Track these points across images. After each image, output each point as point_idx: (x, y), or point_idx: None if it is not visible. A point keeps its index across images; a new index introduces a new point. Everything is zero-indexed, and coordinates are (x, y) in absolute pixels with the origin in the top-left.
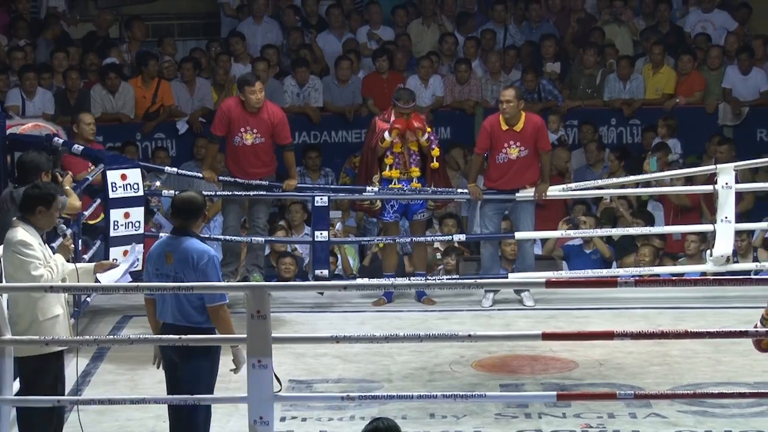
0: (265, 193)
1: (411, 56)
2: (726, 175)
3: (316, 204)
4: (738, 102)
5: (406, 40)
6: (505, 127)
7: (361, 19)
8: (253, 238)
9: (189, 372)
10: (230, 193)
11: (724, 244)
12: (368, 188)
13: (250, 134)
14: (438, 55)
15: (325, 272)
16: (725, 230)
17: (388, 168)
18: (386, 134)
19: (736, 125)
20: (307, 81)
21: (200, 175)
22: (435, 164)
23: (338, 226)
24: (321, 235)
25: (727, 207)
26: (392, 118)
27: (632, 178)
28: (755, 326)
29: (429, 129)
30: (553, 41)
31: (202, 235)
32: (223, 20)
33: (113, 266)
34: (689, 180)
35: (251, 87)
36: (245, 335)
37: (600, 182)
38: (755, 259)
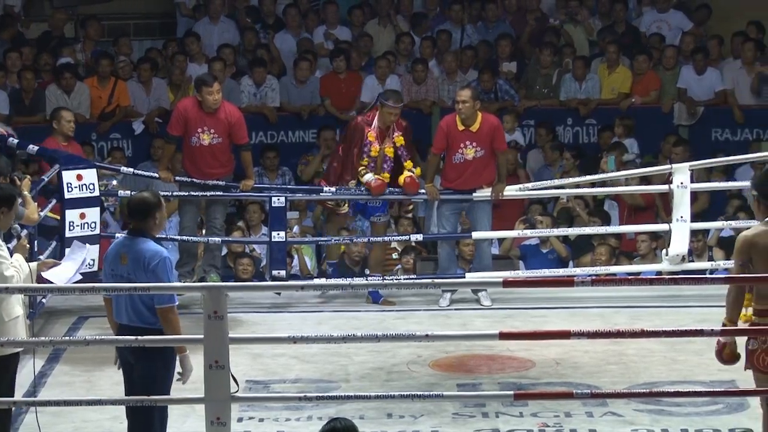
0: (222, 193)
1: (368, 56)
2: (681, 174)
3: (273, 204)
4: (693, 102)
5: (368, 41)
6: (461, 128)
7: (318, 19)
8: (209, 238)
9: (144, 373)
10: (187, 193)
11: (680, 243)
12: (326, 188)
13: (208, 134)
14: (395, 55)
15: (282, 273)
16: (681, 230)
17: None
18: (367, 177)
19: (692, 125)
20: (264, 81)
21: (157, 175)
22: (405, 174)
23: (295, 229)
24: (278, 236)
25: (682, 206)
26: (375, 120)
27: (588, 177)
28: (722, 338)
29: (404, 142)
30: (509, 41)
31: (158, 236)
32: (179, 20)
33: (56, 264)
34: (645, 179)
35: (209, 88)
36: (202, 336)
37: (556, 182)
38: (710, 259)
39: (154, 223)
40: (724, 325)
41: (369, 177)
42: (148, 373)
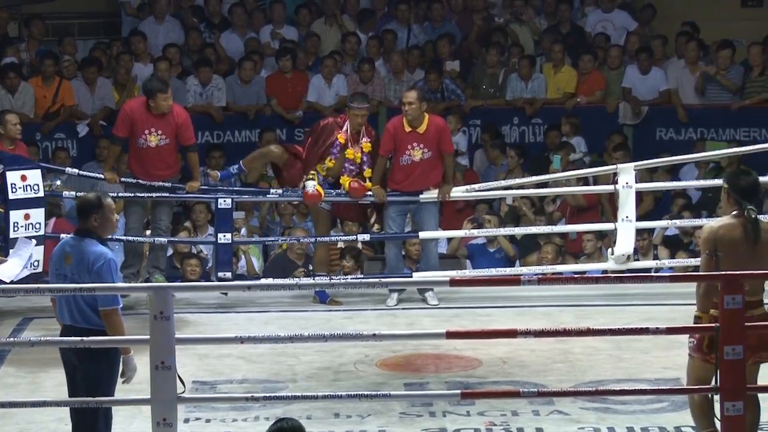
0: (167, 194)
1: (315, 56)
2: (626, 174)
3: (219, 206)
4: (638, 101)
5: (315, 40)
6: (408, 129)
7: (264, 19)
8: (155, 239)
9: (89, 374)
10: (132, 194)
11: (625, 243)
12: (272, 190)
13: (155, 136)
14: (341, 55)
15: (228, 275)
16: (626, 229)
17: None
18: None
19: (636, 124)
20: (209, 81)
21: (102, 176)
22: (350, 179)
23: (243, 231)
24: (224, 238)
25: (627, 206)
26: (347, 124)
27: (534, 178)
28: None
29: (370, 149)
30: (448, 40)
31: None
32: (123, 19)
33: (2, 261)
34: (592, 179)
35: (164, 94)
36: (148, 336)
37: (503, 182)
38: (655, 257)
39: (94, 223)
40: (697, 317)
41: (310, 185)
42: (92, 374)
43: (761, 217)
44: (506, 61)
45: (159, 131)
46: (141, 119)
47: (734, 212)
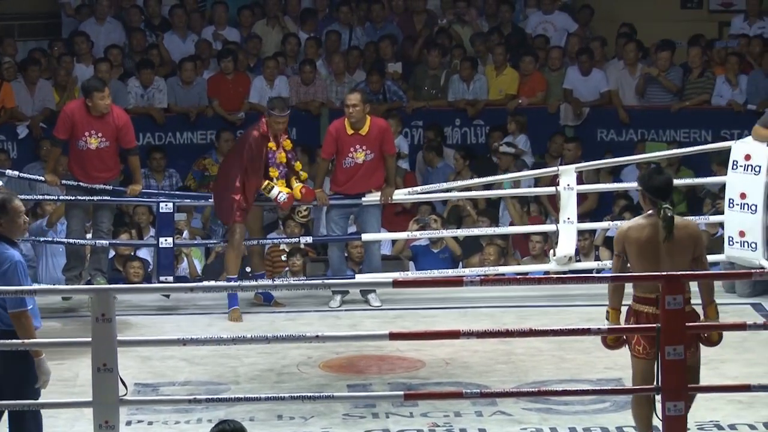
0: (109, 198)
1: (257, 57)
2: (567, 176)
3: (161, 210)
4: (579, 102)
5: (256, 42)
6: (350, 132)
7: (203, 20)
8: (97, 241)
9: (11, 376)
10: (73, 197)
11: (567, 244)
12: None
13: (95, 138)
14: (284, 56)
15: (170, 279)
16: (567, 231)
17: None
18: (274, 193)
19: (577, 125)
20: (151, 82)
21: (42, 178)
22: (299, 186)
23: (185, 234)
24: (165, 242)
25: (569, 208)
26: (264, 129)
27: (476, 180)
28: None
29: (291, 145)
30: (390, 41)
31: (48, 238)
32: (64, 20)
33: None
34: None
35: (101, 93)
36: (90, 338)
37: (445, 185)
38: (597, 258)
39: (7, 224)
40: (607, 312)
41: (277, 193)
42: (16, 376)
43: (701, 218)
44: (448, 62)
45: (99, 133)
46: (81, 121)
47: (648, 212)
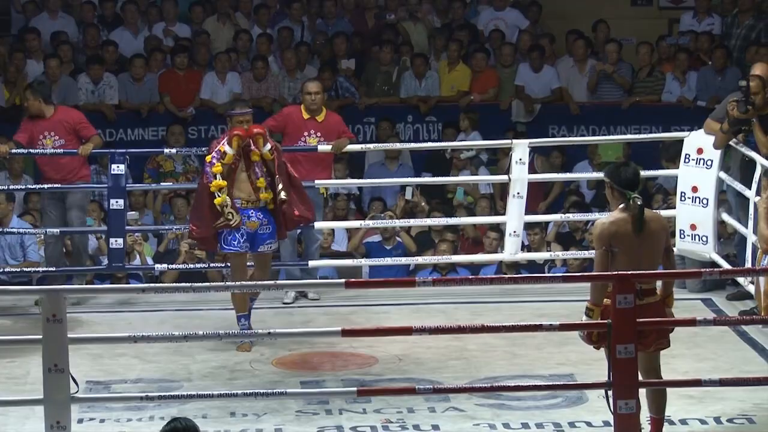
0: (59, 186)
1: (209, 53)
2: (520, 150)
3: (111, 207)
4: (530, 99)
5: (206, 38)
6: (306, 116)
7: (153, 16)
8: (48, 230)
9: None
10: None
11: (514, 221)
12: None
13: (49, 139)
14: (235, 52)
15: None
16: (516, 206)
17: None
18: (226, 147)
19: (529, 122)
20: (101, 78)
21: None
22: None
23: (137, 235)
24: (116, 243)
25: (519, 182)
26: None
27: (430, 180)
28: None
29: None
30: (345, 39)
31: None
32: (13, 16)
33: None
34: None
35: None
36: (41, 336)
37: (399, 180)
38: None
39: None
40: (587, 308)
41: (227, 149)
42: None
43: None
44: (398, 59)
45: (52, 133)
46: (35, 124)
47: (621, 206)
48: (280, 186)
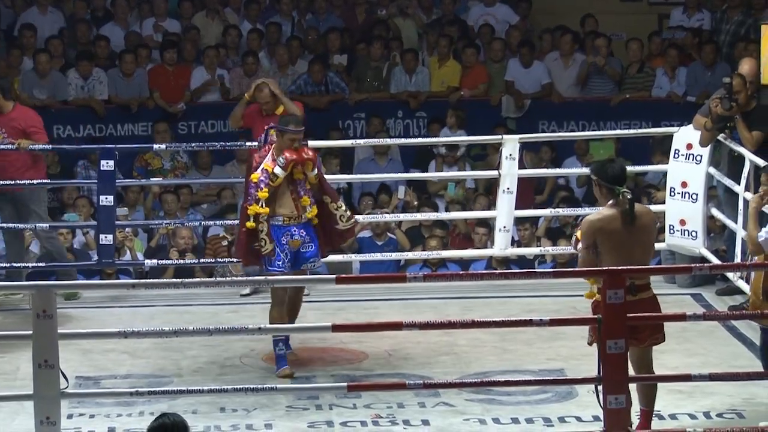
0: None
1: (197, 49)
2: (510, 145)
3: (101, 203)
4: (520, 95)
5: (195, 33)
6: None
7: (141, 11)
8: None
9: None
10: None
11: (504, 216)
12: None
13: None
14: (225, 48)
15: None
16: (507, 201)
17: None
18: (278, 170)
19: (519, 117)
20: (90, 74)
21: None
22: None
23: (127, 230)
24: (106, 239)
25: (509, 178)
26: (272, 150)
27: (422, 175)
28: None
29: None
30: (338, 34)
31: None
32: (3, 11)
33: None
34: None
35: None
36: (31, 332)
37: (386, 175)
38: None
39: None
40: (576, 238)
41: (278, 172)
42: None
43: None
44: (388, 54)
45: (2, 130)
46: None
47: (610, 202)
48: (349, 213)
